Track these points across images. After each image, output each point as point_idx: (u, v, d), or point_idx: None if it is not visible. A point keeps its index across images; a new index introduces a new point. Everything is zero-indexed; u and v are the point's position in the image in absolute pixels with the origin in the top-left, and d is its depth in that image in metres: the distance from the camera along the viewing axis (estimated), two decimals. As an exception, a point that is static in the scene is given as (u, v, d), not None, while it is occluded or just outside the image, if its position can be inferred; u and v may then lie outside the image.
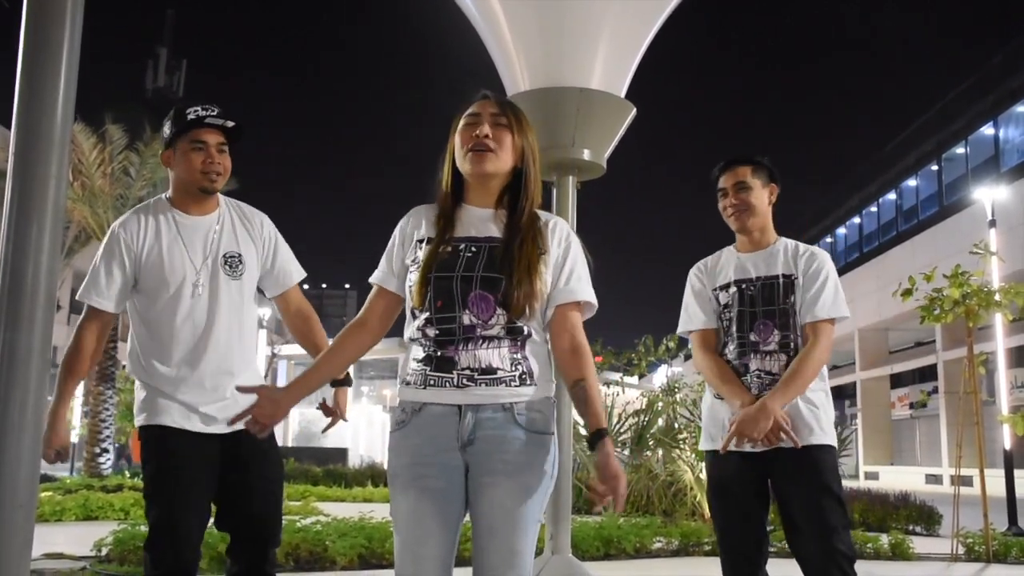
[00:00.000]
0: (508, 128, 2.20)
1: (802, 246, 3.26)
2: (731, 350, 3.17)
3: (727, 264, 3.28)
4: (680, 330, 3.36)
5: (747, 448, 2.99)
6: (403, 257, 2.24)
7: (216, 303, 2.95)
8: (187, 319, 2.92)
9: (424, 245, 2.18)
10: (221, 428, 2.84)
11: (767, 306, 3.15)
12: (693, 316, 3.29)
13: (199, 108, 2.97)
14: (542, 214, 2.25)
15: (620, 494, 2.03)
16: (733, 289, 3.21)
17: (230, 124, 2.97)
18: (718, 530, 3.19)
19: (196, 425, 2.89)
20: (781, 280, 3.16)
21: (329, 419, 3.13)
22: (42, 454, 2.77)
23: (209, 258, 2.96)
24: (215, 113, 2.97)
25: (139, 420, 2.94)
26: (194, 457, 2.87)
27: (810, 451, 2.97)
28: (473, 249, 2.15)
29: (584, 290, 2.20)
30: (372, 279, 2.28)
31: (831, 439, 3.05)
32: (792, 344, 3.11)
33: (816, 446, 2.99)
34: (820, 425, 3.03)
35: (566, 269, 2.19)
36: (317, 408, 3.16)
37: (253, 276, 3.06)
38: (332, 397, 3.15)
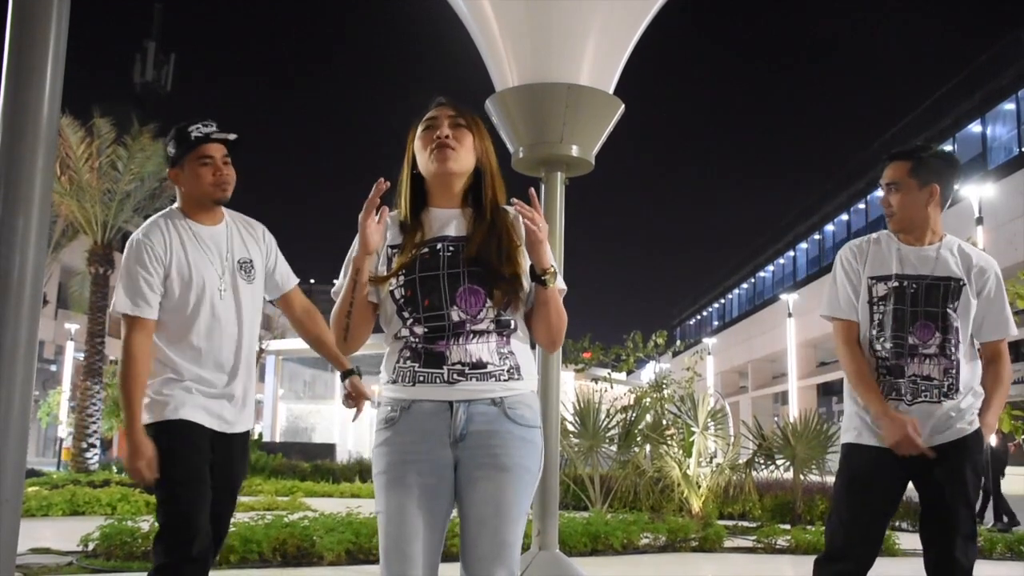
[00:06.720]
0: (467, 127, 2.23)
1: (971, 249, 3.09)
2: (886, 348, 2.97)
3: (888, 253, 3.05)
4: (825, 312, 3.13)
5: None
6: (375, 263, 2.21)
7: (240, 307, 3.06)
8: (214, 322, 3.01)
9: (396, 251, 2.19)
10: (228, 427, 3.02)
11: (929, 307, 2.96)
12: (844, 303, 3.08)
13: (200, 125, 3.05)
14: (509, 209, 2.28)
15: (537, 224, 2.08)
16: (894, 283, 2.99)
17: (232, 137, 3.07)
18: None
19: (214, 423, 2.99)
20: (951, 283, 2.97)
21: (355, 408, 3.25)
22: (133, 472, 2.88)
23: (228, 264, 3.07)
24: (216, 128, 3.06)
25: (160, 415, 2.93)
26: (208, 453, 2.98)
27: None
28: (451, 248, 2.17)
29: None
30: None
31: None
32: (950, 350, 2.94)
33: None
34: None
35: None
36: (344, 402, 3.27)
37: (261, 280, 3.18)
38: (347, 386, 3.26)
